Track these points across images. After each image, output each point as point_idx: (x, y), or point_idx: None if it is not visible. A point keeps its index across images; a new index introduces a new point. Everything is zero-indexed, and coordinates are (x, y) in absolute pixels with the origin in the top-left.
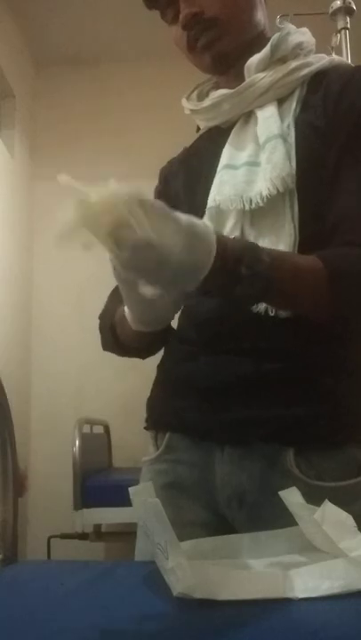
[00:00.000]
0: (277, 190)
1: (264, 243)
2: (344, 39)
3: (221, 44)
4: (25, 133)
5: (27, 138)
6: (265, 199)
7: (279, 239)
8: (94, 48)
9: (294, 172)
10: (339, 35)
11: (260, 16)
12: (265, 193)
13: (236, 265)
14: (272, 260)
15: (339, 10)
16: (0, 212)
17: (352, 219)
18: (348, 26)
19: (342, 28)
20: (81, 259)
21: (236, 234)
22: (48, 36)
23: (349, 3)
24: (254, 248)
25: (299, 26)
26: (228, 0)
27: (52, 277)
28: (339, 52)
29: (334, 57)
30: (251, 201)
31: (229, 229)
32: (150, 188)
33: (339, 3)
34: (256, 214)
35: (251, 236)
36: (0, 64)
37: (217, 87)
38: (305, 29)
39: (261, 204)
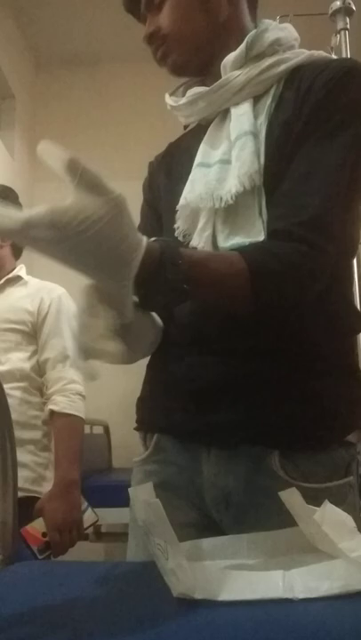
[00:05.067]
0: (245, 188)
1: (236, 240)
2: (344, 40)
3: (172, 58)
4: (25, 134)
5: (27, 138)
6: (234, 197)
7: (249, 236)
8: (94, 48)
9: (262, 167)
10: (338, 35)
11: (224, 18)
12: (233, 190)
13: (157, 269)
14: (190, 266)
15: (338, 10)
16: None
17: (285, 204)
18: (348, 26)
19: (342, 29)
20: None
21: (208, 232)
22: (48, 36)
23: (349, 3)
24: (173, 253)
25: (298, 26)
26: (175, 17)
27: (52, 277)
28: (338, 53)
29: (315, 52)
30: (221, 199)
31: (201, 228)
32: None
33: (338, 3)
34: (229, 212)
35: (223, 235)
36: (0, 64)
37: (202, 85)
38: (286, 25)
39: (231, 202)
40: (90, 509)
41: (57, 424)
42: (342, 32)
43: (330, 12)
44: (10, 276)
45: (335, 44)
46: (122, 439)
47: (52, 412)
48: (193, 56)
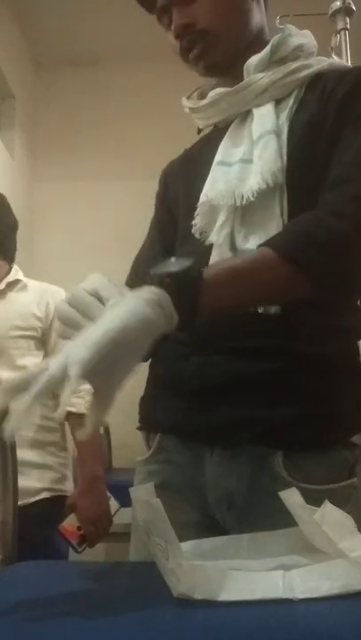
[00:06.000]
0: (267, 185)
1: (254, 239)
2: (344, 40)
3: (212, 55)
4: (25, 134)
5: (27, 138)
6: (255, 194)
7: (268, 234)
8: (94, 48)
9: (284, 167)
10: (338, 35)
11: (257, 21)
12: (256, 188)
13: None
14: (201, 282)
15: (338, 10)
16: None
17: (329, 188)
18: (348, 26)
19: (342, 29)
20: (80, 261)
21: (227, 230)
22: (48, 36)
23: (349, 3)
24: (183, 276)
25: (298, 26)
26: (219, 12)
27: (51, 278)
28: (338, 53)
29: (335, 60)
30: (242, 197)
31: (220, 226)
32: (149, 187)
33: (338, 3)
34: (247, 211)
35: (241, 235)
36: (0, 64)
37: (217, 86)
38: (307, 32)
39: (252, 199)
40: (112, 499)
41: (76, 424)
42: (342, 32)
43: (330, 12)
44: (9, 279)
45: (335, 44)
46: (122, 439)
47: (69, 414)
48: (231, 57)
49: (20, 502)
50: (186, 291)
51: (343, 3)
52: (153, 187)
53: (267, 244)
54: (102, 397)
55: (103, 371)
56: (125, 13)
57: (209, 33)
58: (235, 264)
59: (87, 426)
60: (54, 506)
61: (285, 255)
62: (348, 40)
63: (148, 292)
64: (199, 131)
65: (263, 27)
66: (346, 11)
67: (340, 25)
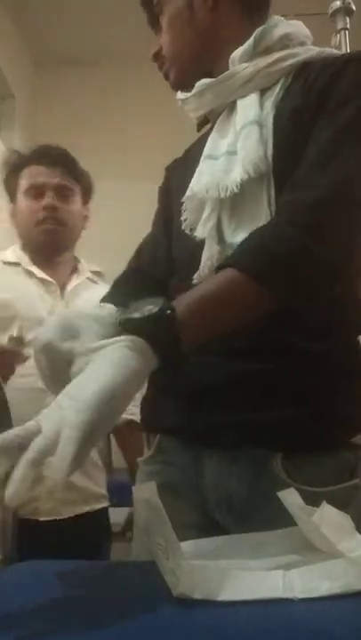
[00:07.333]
0: (249, 175)
1: (243, 232)
2: (344, 39)
3: (173, 75)
4: (25, 134)
5: (27, 138)
6: (239, 185)
7: (257, 226)
8: (94, 48)
9: (270, 156)
10: (338, 35)
11: (226, 33)
12: (239, 179)
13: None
14: (176, 319)
15: (338, 10)
16: (0, 214)
17: (290, 189)
18: (348, 26)
19: (342, 29)
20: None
21: (212, 223)
22: (48, 36)
23: (349, 3)
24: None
25: None
26: (170, 37)
27: None
28: None
29: (326, 49)
30: (226, 188)
31: (205, 218)
32: (149, 188)
33: (338, 3)
34: (236, 204)
35: (230, 229)
36: (0, 64)
37: None
38: (296, 22)
39: (236, 191)
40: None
41: (134, 431)
42: (342, 32)
43: (330, 11)
44: (92, 268)
45: (335, 44)
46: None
47: (131, 422)
48: (192, 70)
49: (87, 508)
50: (163, 337)
51: (343, 3)
52: (153, 187)
53: (227, 263)
54: (84, 449)
55: (98, 430)
56: (125, 13)
57: (167, 57)
58: (204, 293)
59: (62, 471)
60: (107, 515)
61: (248, 272)
62: (348, 40)
63: (129, 342)
64: (199, 128)
65: (233, 27)
66: (346, 11)
67: (340, 25)
